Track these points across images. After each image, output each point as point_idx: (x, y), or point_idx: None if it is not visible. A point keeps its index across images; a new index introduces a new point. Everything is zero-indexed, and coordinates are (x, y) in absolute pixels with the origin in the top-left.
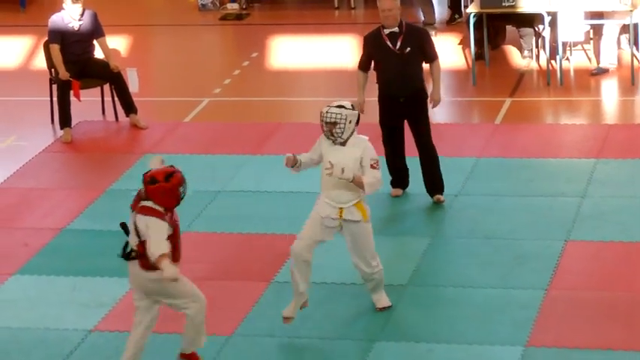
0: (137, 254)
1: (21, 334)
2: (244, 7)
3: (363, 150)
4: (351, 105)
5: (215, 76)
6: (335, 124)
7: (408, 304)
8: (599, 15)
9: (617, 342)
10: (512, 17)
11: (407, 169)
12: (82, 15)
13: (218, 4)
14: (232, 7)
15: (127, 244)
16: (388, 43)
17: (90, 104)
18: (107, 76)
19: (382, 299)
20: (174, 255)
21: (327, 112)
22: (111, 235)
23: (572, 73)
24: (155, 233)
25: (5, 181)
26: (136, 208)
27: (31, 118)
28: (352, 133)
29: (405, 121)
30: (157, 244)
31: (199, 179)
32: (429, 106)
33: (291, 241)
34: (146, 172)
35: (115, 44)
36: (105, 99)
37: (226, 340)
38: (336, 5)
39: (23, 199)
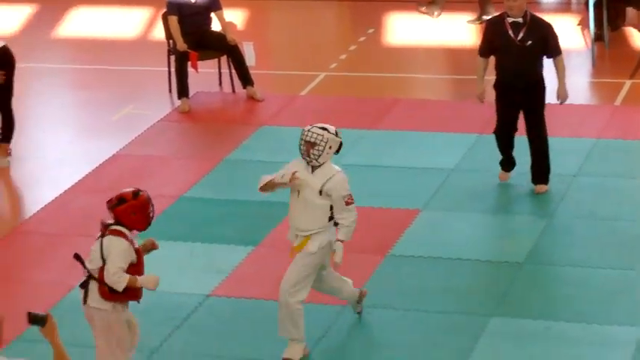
0: (98, 279)
1: None
2: None
3: (332, 183)
4: (335, 131)
5: (331, 51)
6: (314, 144)
7: (524, 281)
8: None
9: None
10: None
11: (513, 155)
12: None
13: None
14: None
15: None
16: (510, 32)
17: (207, 76)
18: (224, 48)
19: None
20: (138, 291)
21: (308, 130)
22: (228, 203)
23: None
24: (115, 255)
25: (123, 148)
26: (103, 231)
27: (150, 88)
28: (328, 159)
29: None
30: (113, 265)
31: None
32: (557, 102)
33: (408, 216)
34: (110, 199)
35: (232, 18)
36: (222, 71)
37: (342, 309)
38: None
39: (141, 167)
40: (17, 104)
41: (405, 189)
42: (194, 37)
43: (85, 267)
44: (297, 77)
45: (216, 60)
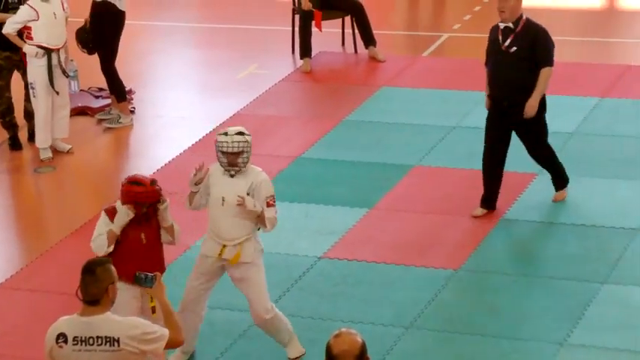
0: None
1: None
2: None
3: (256, 183)
4: (246, 130)
5: (455, 12)
6: (241, 153)
7: (638, 248)
8: None
9: None
10: None
11: (498, 191)
12: None
13: None
14: None
15: None
16: (500, 38)
17: (330, 35)
18: (349, 7)
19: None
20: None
21: (231, 141)
22: (345, 164)
23: None
24: (99, 224)
25: (245, 107)
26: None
27: (273, 48)
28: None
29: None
30: (97, 233)
31: (435, 114)
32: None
33: (524, 179)
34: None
35: None
36: (345, 31)
37: (453, 274)
38: None
39: (261, 127)
40: (141, 62)
41: (522, 152)
42: None
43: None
44: (420, 38)
45: (339, 20)
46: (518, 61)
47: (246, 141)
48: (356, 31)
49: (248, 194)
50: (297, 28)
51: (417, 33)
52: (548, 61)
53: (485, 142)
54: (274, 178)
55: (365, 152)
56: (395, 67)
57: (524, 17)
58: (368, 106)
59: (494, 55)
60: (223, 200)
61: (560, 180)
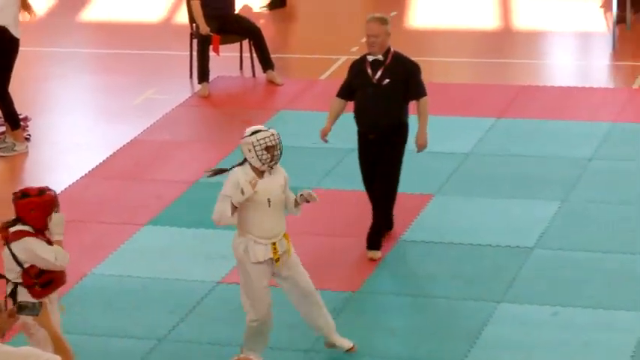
0: (25, 285)
1: (150, 283)
2: None
3: (284, 176)
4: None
5: (352, 34)
6: (275, 147)
7: (533, 266)
8: None
9: None
10: None
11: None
12: None
13: None
14: None
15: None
16: (369, 70)
17: (228, 59)
18: (246, 31)
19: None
20: (63, 274)
21: (270, 134)
22: None
23: None
24: (39, 249)
25: (142, 133)
26: (5, 237)
27: (171, 72)
28: None
29: None
30: (52, 254)
31: (333, 136)
32: (416, 150)
33: (421, 201)
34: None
35: (249, 1)
36: (243, 55)
37: (351, 296)
38: None
39: (159, 152)
40: (37, 89)
41: (419, 173)
42: (217, 20)
43: (6, 278)
44: (317, 61)
45: (237, 44)
46: (391, 94)
47: (278, 135)
48: (254, 55)
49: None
50: (194, 53)
51: (315, 56)
52: (424, 92)
53: (363, 179)
54: (172, 204)
55: None
56: (293, 91)
57: (392, 50)
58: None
59: (363, 88)
60: (269, 201)
61: (378, 236)
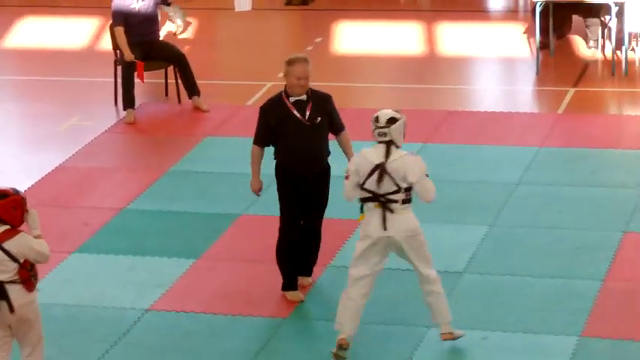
0: (20, 280)
1: (79, 312)
2: None
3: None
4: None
5: (278, 60)
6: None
7: (463, 291)
8: None
9: None
10: (579, 7)
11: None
12: None
13: None
14: None
15: None
16: (296, 113)
17: (153, 86)
18: (171, 58)
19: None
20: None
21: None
22: (170, 215)
23: (637, 63)
24: (34, 243)
25: (67, 160)
26: None
27: (95, 99)
28: None
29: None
30: (44, 246)
31: (267, 162)
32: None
33: (349, 227)
34: None
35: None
36: (168, 81)
37: (282, 322)
38: None
39: (85, 179)
40: None
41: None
42: (141, 47)
43: None
44: (243, 87)
45: (162, 70)
46: (321, 132)
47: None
48: (179, 81)
49: None
50: (119, 79)
51: (241, 82)
52: (343, 125)
53: (287, 221)
54: (99, 231)
55: (191, 202)
56: (219, 117)
57: (309, 88)
58: (192, 156)
59: (294, 130)
60: None
61: (311, 264)
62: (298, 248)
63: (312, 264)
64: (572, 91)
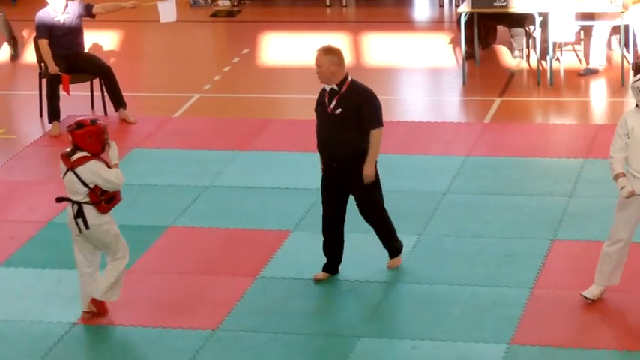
0: (92, 203)
1: (5, 326)
2: (236, 4)
3: None
4: None
5: (205, 72)
6: None
7: (393, 301)
8: (590, 16)
9: (601, 341)
10: (504, 17)
11: (340, 253)
12: (66, 7)
13: (209, 1)
14: (224, 4)
15: (73, 206)
16: (326, 100)
17: (79, 99)
18: (97, 70)
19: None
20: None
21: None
22: None
23: (562, 73)
24: (102, 171)
25: None
26: (70, 165)
27: (21, 112)
28: None
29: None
30: (114, 175)
31: (188, 174)
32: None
33: (278, 237)
34: (70, 124)
35: (107, 39)
36: (94, 93)
37: (210, 334)
38: (328, 3)
39: (10, 192)
40: None
41: (276, 210)
42: (67, 59)
43: (72, 201)
44: (170, 99)
45: (88, 83)
46: (345, 123)
47: None
48: (105, 93)
49: None
50: (44, 92)
51: (168, 94)
52: (377, 123)
53: (323, 206)
54: (25, 244)
55: (118, 215)
56: (146, 129)
57: (349, 79)
58: (120, 168)
59: (322, 117)
60: None
61: (389, 246)
62: (334, 232)
63: (391, 247)
64: (498, 100)
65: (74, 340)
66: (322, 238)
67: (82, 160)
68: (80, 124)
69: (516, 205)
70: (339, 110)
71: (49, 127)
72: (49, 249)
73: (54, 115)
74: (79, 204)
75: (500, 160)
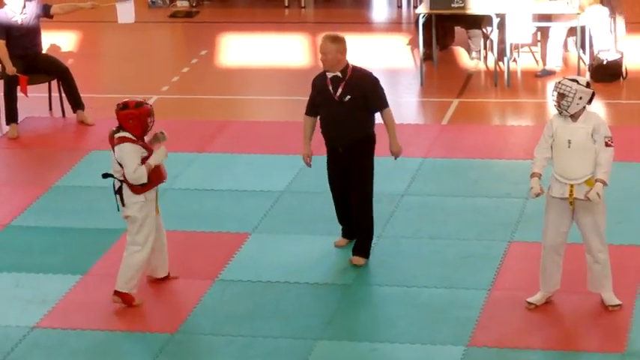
0: (125, 182)
1: None
2: (194, 4)
3: (595, 126)
4: (587, 82)
5: (163, 74)
6: (563, 96)
7: (351, 303)
8: (547, 17)
9: (558, 342)
10: (461, 18)
11: (354, 225)
12: (24, 7)
13: (168, 2)
14: (182, 5)
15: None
16: (330, 88)
17: (37, 100)
18: (55, 71)
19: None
20: (160, 174)
21: (559, 82)
22: (55, 231)
23: (519, 74)
24: (128, 158)
25: None
26: (111, 143)
27: None
28: (582, 110)
29: None
30: (133, 169)
31: None
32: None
33: (237, 240)
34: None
35: (65, 40)
36: (52, 95)
37: (169, 338)
38: (286, 4)
39: None
40: None
41: (235, 212)
42: (24, 60)
43: (115, 177)
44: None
45: (46, 84)
46: (353, 110)
47: (571, 87)
48: (63, 95)
49: (591, 135)
50: (1, 94)
51: (126, 95)
52: (385, 104)
53: (332, 190)
54: None
55: (76, 218)
56: (104, 131)
57: (350, 66)
58: (78, 170)
59: (326, 104)
60: (569, 143)
61: (363, 244)
62: (346, 208)
63: (358, 244)
64: (456, 101)
65: (32, 344)
66: (279, 240)
67: (120, 140)
68: (125, 105)
69: (474, 207)
70: (347, 98)
71: (6, 129)
72: (7, 252)
73: (11, 116)
74: (120, 181)
75: (457, 162)
